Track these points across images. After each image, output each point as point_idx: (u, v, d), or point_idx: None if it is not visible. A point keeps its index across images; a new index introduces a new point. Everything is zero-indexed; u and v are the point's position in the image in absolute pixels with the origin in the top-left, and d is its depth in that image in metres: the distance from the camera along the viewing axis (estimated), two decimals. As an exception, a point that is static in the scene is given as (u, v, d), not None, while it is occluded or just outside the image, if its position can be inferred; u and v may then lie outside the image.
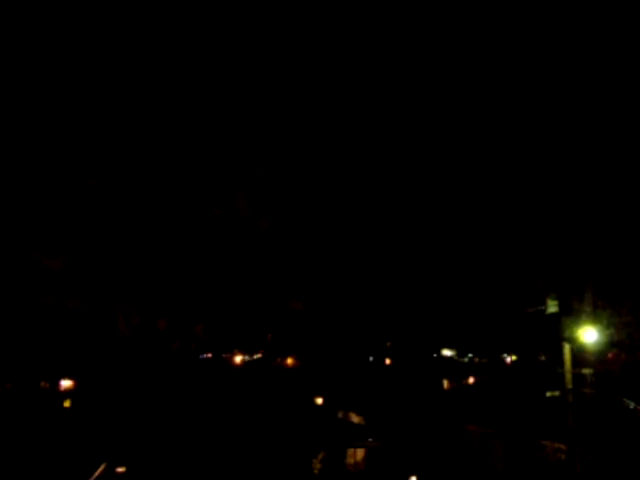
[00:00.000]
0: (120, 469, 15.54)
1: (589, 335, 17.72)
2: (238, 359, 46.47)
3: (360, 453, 18.15)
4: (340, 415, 26.19)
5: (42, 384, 27.08)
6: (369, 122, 28.90)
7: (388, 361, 37.28)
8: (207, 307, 32.07)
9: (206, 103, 27.97)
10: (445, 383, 34.63)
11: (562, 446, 18.22)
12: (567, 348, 17.19)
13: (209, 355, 43.26)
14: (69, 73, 25.77)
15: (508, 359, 41.57)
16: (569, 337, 17.24)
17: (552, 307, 17.40)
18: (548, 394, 22.03)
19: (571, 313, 17.65)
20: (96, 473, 13.91)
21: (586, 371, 19.44)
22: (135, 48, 25.90)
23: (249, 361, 44.79)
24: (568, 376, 17.05)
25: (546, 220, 26.39)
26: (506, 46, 26.14)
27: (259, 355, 42.98)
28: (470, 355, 44.98)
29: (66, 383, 27.31)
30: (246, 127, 28.80)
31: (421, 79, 27.86)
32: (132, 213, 28.84)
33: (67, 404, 25.98)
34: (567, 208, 25.49)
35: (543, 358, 31.11)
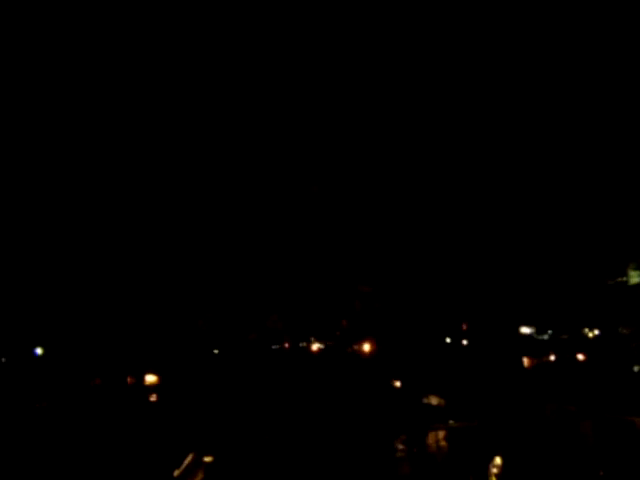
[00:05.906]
0: (207, 459, 15.99)
1: (676, 304, 17.00)
2: (315, 347, 46.92)
3: (442, 435, 18.04)
4: (421, 398, 26.14)
5: (128, 380, 28.15)
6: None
7: (465, 342, 36.83)
8: (280, 297, 32.56)
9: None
10: (525, 361, 33.92)
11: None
12: (653, 319, 16.50)
13: (286, 345, 43.91)
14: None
15: (590, 334, 40.34)
16: (654, 308, 16.55)
17: (634, 277, 16.76)
18: (636, 368, 21.28)
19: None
20: (185, 463, 14.43)
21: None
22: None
23: (325, 348, 45.16)
24: (656, 348, 16.36)
25: (623, 187, 25.47)
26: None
27: (333, 343, 43.27)
28: (550, 331, 43.91)
29: (150, 378, 28.28)
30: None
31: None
32: (201, 206, 29.56)
33: (153, 398, 26.92)
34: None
35: (625, 331, 30.00)
